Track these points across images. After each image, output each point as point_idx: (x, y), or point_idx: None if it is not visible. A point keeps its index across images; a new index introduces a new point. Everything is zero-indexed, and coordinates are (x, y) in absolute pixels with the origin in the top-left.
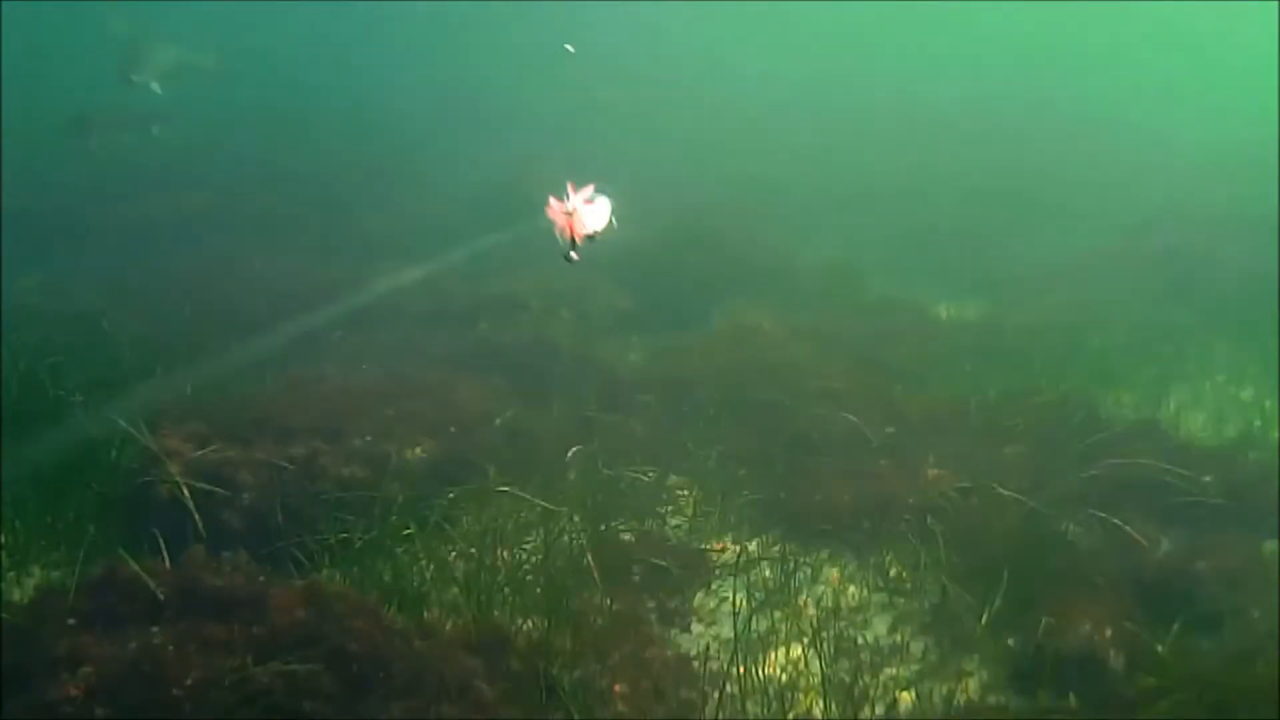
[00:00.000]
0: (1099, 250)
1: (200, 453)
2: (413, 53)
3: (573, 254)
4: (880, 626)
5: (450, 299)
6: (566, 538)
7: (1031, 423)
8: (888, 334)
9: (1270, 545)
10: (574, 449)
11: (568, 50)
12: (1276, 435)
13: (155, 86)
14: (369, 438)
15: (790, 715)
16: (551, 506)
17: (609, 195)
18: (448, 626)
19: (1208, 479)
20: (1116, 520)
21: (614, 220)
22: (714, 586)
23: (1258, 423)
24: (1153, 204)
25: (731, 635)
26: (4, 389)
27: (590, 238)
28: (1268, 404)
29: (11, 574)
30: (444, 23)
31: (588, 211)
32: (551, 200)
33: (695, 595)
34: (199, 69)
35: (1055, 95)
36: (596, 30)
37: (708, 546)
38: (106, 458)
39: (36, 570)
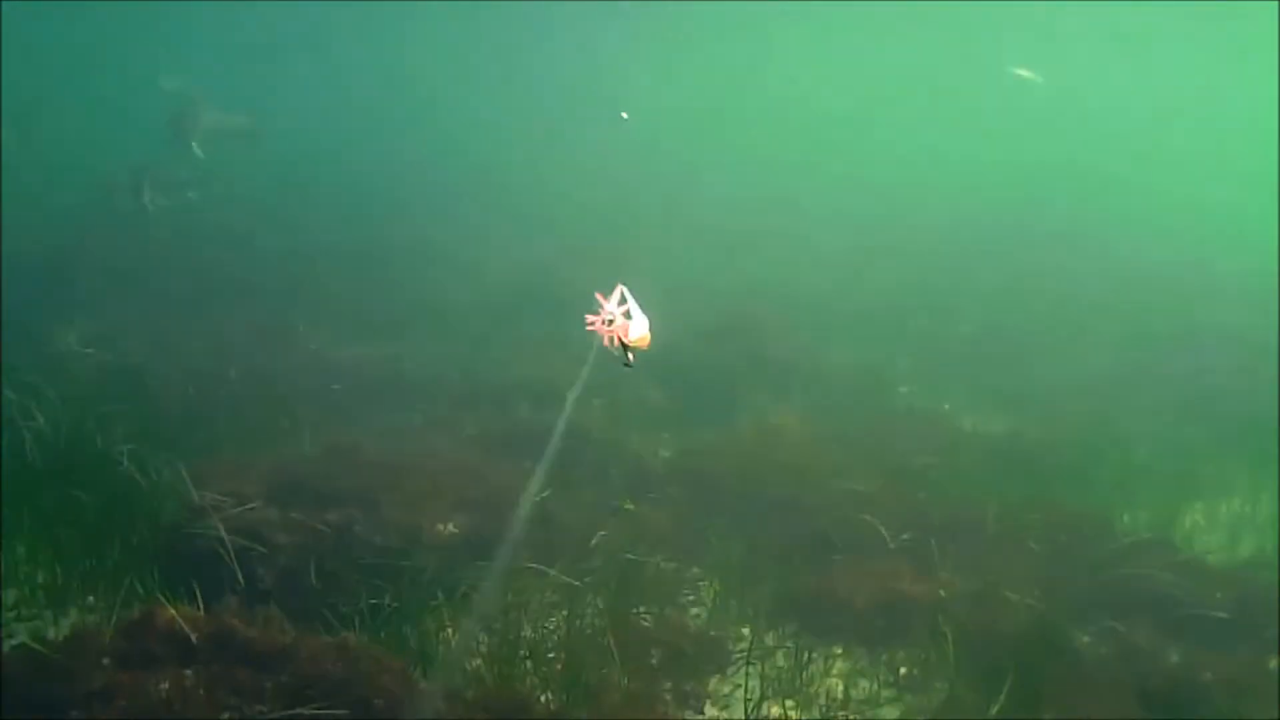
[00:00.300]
0: (1123, 366)
1: (239, 509)
2: (449, 128)
3: (629, 357)
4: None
5: (485, 382)
6: (588, 618)
7: (1047, 533)
8: (911, 440)
9: (1274, 661)
10: (600, 534)
11: (623, 117)
12: None
13: (198, 150)
14: (402, 509)
15: None
16: (574, 581)
17: (646, 311)
18: (470, 694)
19: (1217, 595)
20: (1122, 628)
21: (652, 335)
22: (729, 673)
23: (1270, 544)
24: (1182, 323)
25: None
26: (55, 436)
27: (628, 351)
28: (1267, 502)
29: (49, 613)
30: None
31: (628, 325)
32: (589, 317)
33: (710, 680)
34: (235, 131)
35: (1087, 209)
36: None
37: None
38: (148, 508)
39: (74, 612)
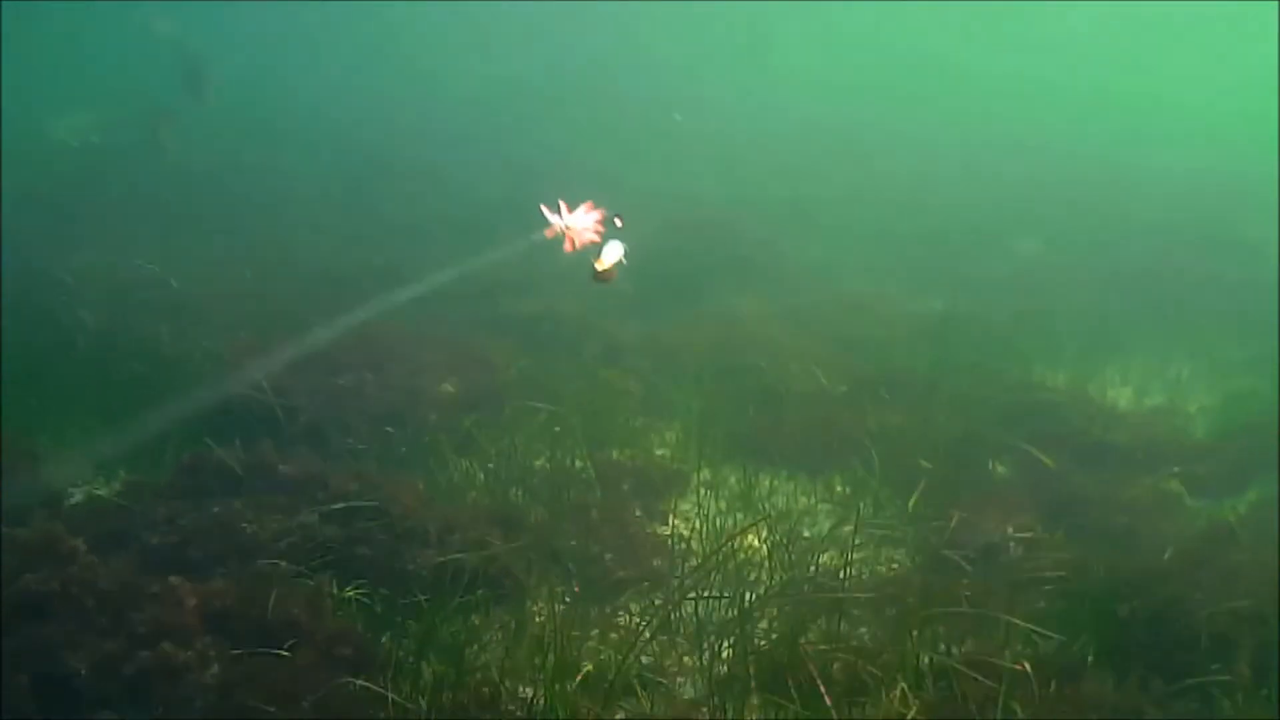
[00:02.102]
0: (1066, 259)
1: (266, 374)
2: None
3: (604, 268)
4: (824, 525)
5: (470, 281)
6: (569, 459)
7: (970, 386)
8: (856, 318)
9: (1174, 483)
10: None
11: (676, 119)
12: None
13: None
14: (406, 374)
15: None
16: (556, 428)
17: (617, 239)
18: (472, 510)
19: (1122, 433)
20: (1033, 451)
21: (625, 260)
22: (688, 495)
23: (1177, 397)
24: (1128, 225)
25: (700, 528)
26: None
27: (604, 275)
28: (1179, 365)
29: (101, 479)
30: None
31: (603, 248)
32: (548, 214)
33: (673, 500)
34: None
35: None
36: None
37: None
38: (186, 378)
39: (128, 469)
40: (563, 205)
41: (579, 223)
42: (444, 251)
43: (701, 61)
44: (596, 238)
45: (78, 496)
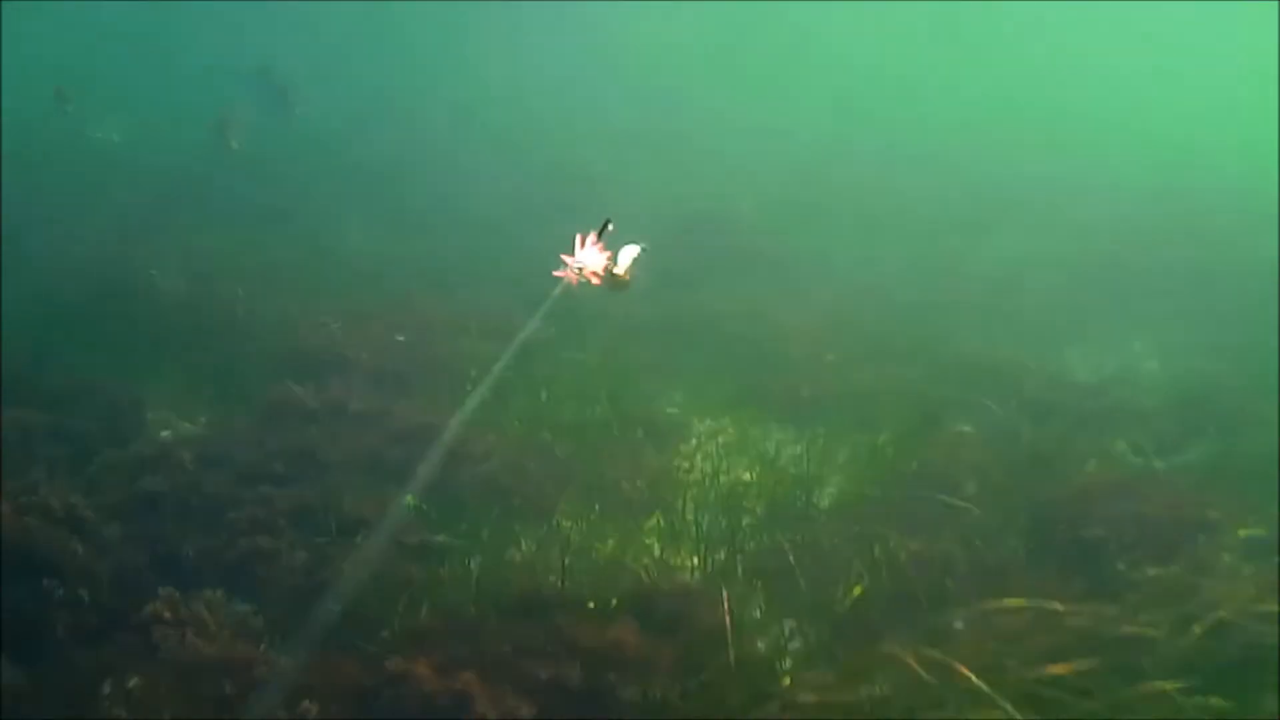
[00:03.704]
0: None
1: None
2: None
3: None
4: (808, 465)
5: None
6: (591, 410)
7: (944, 358)
8: (848, 302)
9: (1120, 444)
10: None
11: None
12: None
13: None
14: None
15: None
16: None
17: (635, 243)
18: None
19: (1078, 400)
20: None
21: (636, 271)
22: (692, 441)
23: (1130, 370)
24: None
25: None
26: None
27: (619, 283)
28: (1137, 347)
29: (193, 418)
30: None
31: (609, 259)
32: (565, 259)
33: (680, 444)
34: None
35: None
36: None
37: None
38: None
39: (215, 409)
40: (576, 241)
41: (588, 261)
42: (473, 245)
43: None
44: (597, 279)
45: (169, 431)
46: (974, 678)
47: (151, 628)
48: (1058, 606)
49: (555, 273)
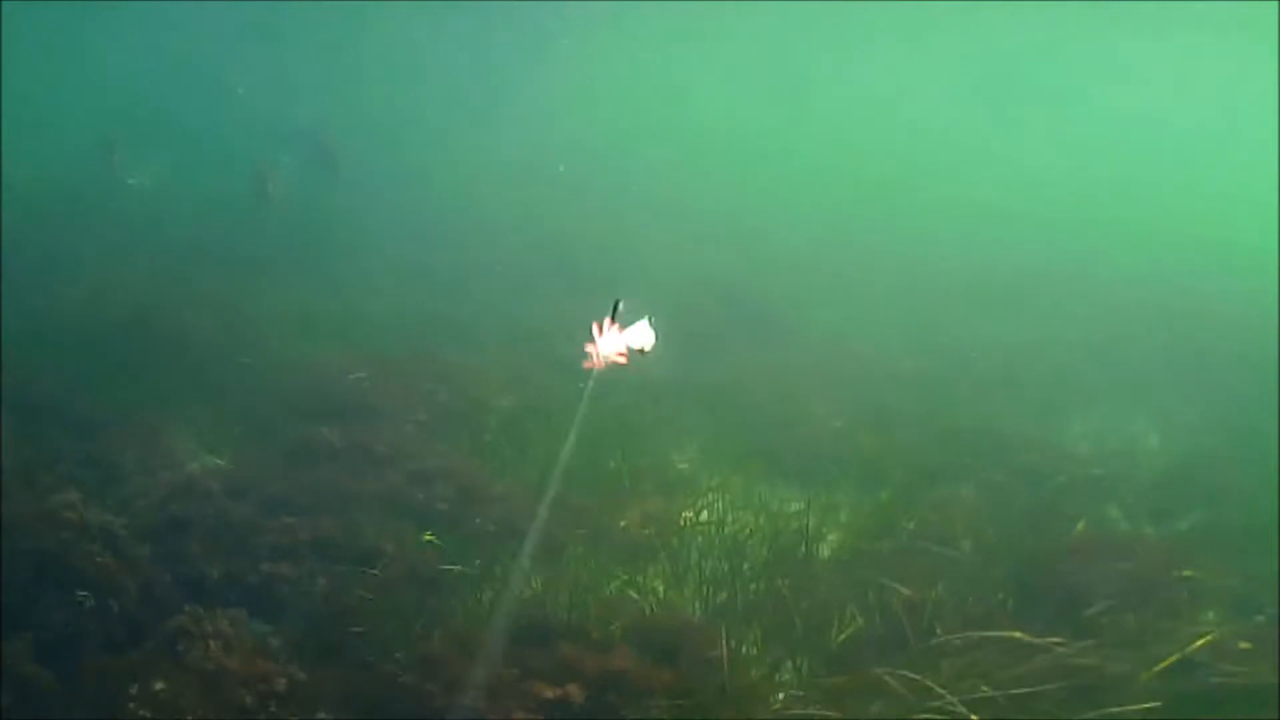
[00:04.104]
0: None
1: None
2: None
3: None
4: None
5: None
6: (607, 463)
7: (949, 429)
8: (854, 369)
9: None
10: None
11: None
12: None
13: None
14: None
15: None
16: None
17: (650, 325)
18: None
19: (1075, 470)
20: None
21: (657, 342)
22: (701, 494)
23: (1136, 445)
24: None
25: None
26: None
27: (641, 352)
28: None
29: (222, 450)
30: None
31: (635, 336)
32: (589, 349)
33: (687, 496)
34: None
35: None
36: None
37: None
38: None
39: (236, 448)
40: (594, 330)
41: (609, 348)
42: (485, 297)
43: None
44: (623, 359)
45: (199, 464)
46: (947, 694)
47: (177, 640)
48: (1035, 640)
49: (584, 365)
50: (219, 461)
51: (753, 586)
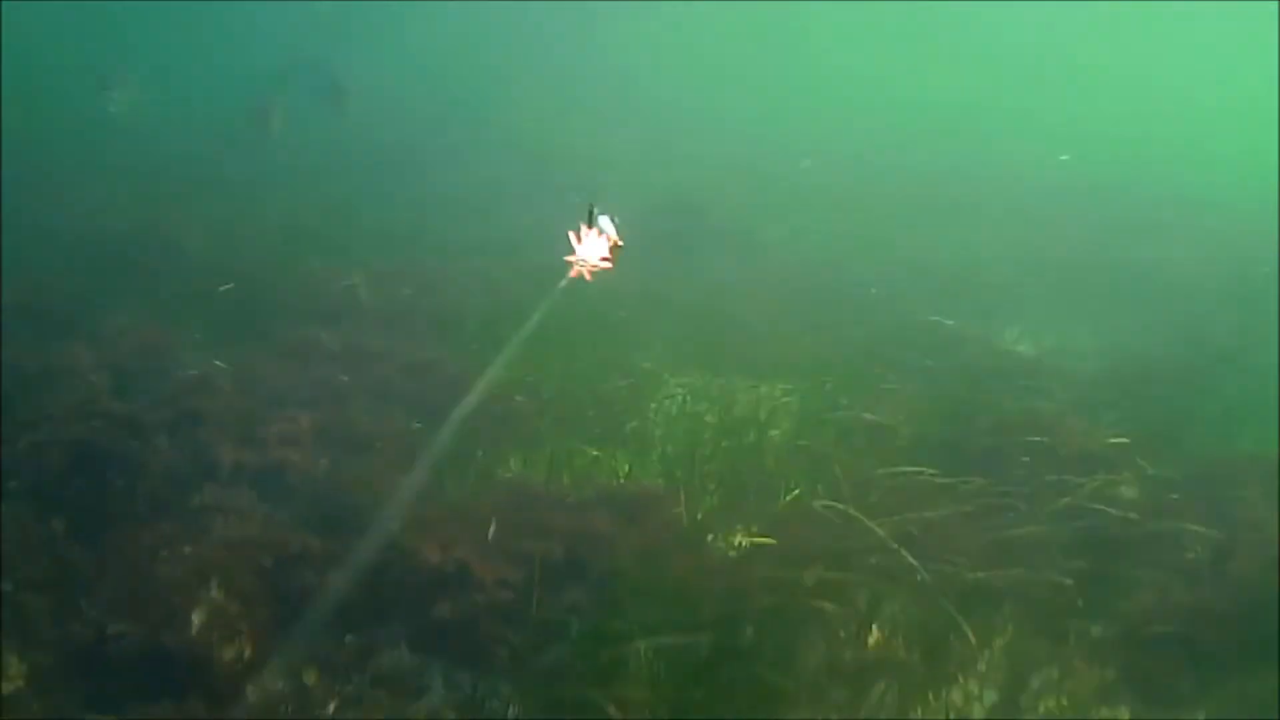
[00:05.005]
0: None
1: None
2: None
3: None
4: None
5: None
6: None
7: (893, 328)
8: (811, 280)
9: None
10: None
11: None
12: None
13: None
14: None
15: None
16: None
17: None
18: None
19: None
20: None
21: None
22: (663, 387)
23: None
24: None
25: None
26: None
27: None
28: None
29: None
30: None
31: (601, 233)
32: (570, 259)
33: (652, 389)
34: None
35: None
36: None
37: None
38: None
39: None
40: (572, 238)
41: (592, 252)
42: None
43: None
44: (608, 263)
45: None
46: (865, 520)
47: (199, 514)
48: (950, 480)
49: (570, 274)
50: (221, 365)
51: (709, 465)
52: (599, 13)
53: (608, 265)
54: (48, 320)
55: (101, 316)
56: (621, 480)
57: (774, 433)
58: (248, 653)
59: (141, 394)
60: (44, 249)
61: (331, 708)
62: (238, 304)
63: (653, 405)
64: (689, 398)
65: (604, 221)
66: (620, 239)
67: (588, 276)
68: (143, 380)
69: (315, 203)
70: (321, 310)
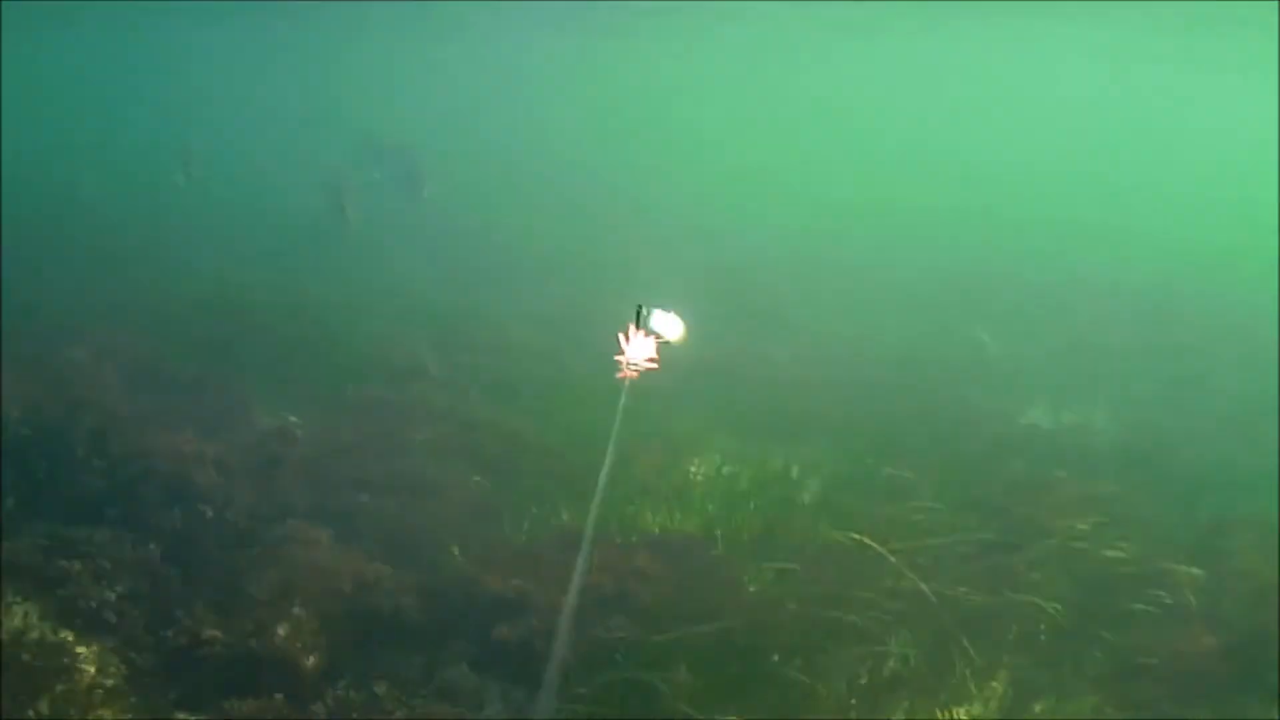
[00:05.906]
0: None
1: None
2: None
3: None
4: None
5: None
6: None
7: (915, 405)
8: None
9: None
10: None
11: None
12: None
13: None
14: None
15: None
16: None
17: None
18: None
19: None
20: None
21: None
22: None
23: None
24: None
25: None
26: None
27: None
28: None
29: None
30: None
31: (661, 326)
32: (620, 359)
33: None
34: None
35: None
36: None
37: None
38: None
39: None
40: (623, 337)
41: (640, 354)
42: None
43: None
44: (654, 365)
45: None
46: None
47: (281, 545)
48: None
49: (618, 375)
50: (294, 419)
51: (743, 515)
52: None
53: (653, 366)
54: (140, 371)
55: (187, 370)
56: (663, 529)
57: (805, 498)
58: (325, 663)
59: (229, 439)
60: (134, 310)
61: (399, 716)
62: (311, 366)
63: (691, 465)
64: (725, 459)
65: (659, 317)
66: (678, 332)
67: (634, 376)
68: (229, 428)
69: (386, 277)
70: (389, 372)
